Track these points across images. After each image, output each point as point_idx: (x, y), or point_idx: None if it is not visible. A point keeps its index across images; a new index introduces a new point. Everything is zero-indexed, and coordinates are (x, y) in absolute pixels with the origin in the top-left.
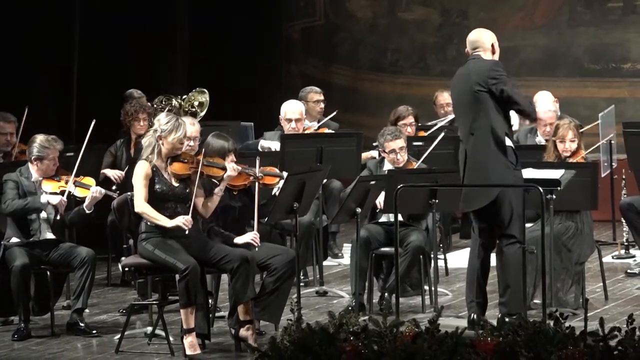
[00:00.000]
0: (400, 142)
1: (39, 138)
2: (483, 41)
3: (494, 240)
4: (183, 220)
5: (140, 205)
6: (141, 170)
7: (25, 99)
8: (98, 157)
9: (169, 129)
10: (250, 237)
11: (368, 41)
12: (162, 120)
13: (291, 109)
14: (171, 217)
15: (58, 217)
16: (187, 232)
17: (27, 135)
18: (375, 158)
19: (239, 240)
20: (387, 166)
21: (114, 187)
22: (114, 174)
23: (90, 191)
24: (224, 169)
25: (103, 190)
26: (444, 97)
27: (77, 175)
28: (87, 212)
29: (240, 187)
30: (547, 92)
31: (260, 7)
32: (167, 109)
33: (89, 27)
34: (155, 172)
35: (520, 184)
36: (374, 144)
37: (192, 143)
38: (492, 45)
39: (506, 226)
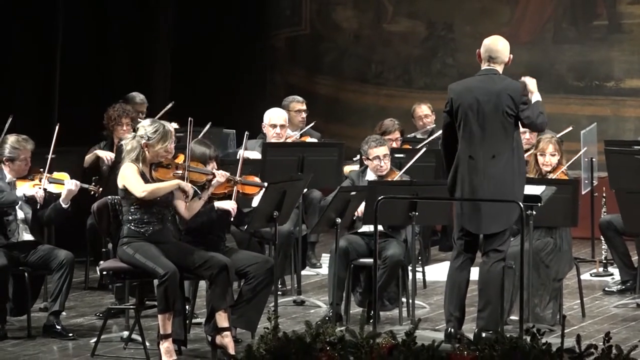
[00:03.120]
0: (384, 150)
1: (10, 139)
2: (503, 52)
3: (476, 254)
4: (190, 187)
5: (145, 187)
6: (132, 169)
7: (7, 107)
8: (78, 159)
9: (157, 138)
10: (231, 205)
11: (353, 52)
12: (149, 128)
13: (275, 115)
14: (158, 222)
15: (38, 213)
16: (187, 198)
17: None
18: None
19: (219, 204)
20: (369, 176)
21: (93, 183)
22: (105, 155)
23: (64, 185)
24: (207, 174)
25: (78, 183)
26: (422, 110)
27: (50, 172)
28: (64, 206)
29: (220, 196)
30: None
31: (245, 15)
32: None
33: (71, 34)
34: (143, 176)
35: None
36: (354, 159)
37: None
38: (509, 59)
39: (501, 243)
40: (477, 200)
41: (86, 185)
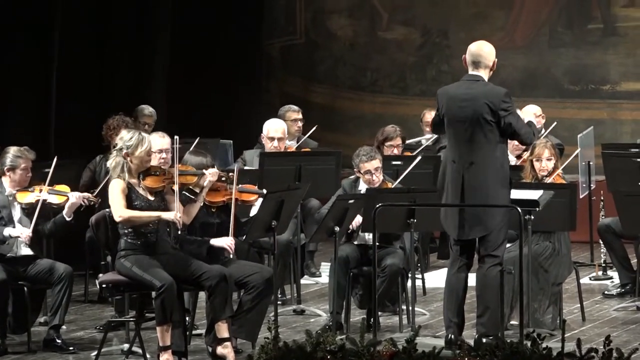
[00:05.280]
0: (376, 163)
1: (12, 149)
2: (486, 57)
3: (473, 259)
4: (177, 216)
5: (122, 212)
6: (117, 186)
7: (2, 117)
8: (76, 170)
9: (134, 144)
10: (227, 242)
11: (348, 60)
12: (125, 137)
13: (274, 128)
14: (154, 234)
15: (38, 227)
16: (179, 232)
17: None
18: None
19: (215, 242)
20: (362, 186)
21: (94, 193)
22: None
23: (68, 197)
24: (197, 174)
25: (81, 195)
26: (431, 115)
27: (51, 184)
28: (68, 219)
29: (218, 204)
30: (533, 106)
31: (241, 24)
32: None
33: (69, 41)
34: (130, 190)
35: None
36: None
37: (164, 155)
38: (494, 63)
39: (495, 248)
40: (475, 206)
41: (87, 195)
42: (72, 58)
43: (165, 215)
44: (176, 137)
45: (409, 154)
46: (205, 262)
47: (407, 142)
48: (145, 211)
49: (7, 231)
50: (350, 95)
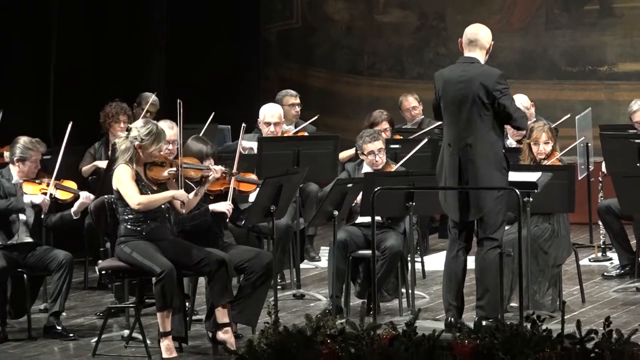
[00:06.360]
0: (379, 144)
1: (23, 139)
2: (483, 39)
3: (471, 242)
4: (186, 196)
5: (140, 199)
6: (127, 173)
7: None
8: (77, 158)
9: (151, 140)
10: (225, 206)
11: (345, 44)
12: (142, 129)
13: (270, 113)
14: (154, 220)
15: (42, 216)
16: (184, 211)
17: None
18: (352, 159)
19: (214, 206)
20: (366, 168)
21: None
22: (104, 165)
23: (76, 195)
24: (202, 169)
25: (92, 196)
26: (409, 101)
27: (58, 179)
28: (75, 218)
29: (217, 192)
30: (522, 96)
31: (238, 9)
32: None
33: (66, 27)
34: (137, 177)
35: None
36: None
37: (170, 147)
38: (490, 46)
39: (493, 230)
40: (475, 189)
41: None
42: (68, 57)
43: (178, 194)
44: (179, 100)
45: (398, 137)
46: (205, 246)
47: (398, 128)
48: (158, 194)
49: (28, 198)
50: (347, 79)
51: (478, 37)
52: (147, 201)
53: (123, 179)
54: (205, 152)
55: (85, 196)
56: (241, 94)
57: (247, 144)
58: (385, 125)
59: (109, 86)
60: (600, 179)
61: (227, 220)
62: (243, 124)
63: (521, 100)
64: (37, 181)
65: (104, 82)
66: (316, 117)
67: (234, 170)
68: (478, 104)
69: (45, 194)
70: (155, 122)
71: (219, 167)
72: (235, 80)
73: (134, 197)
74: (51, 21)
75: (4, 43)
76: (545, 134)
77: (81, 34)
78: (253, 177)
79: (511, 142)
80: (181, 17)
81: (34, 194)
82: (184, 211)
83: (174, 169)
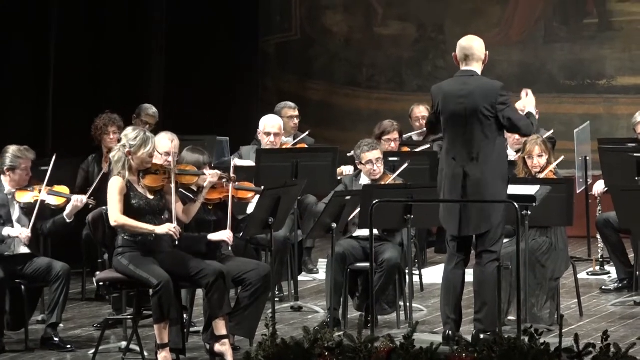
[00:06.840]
0: (377, 153)
1: (11, 148)
2: (478, 50)
3: (470, 255)
4: (172, 228)
5: (118, 218)
6: (115, 186)
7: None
8: (72, 171)
9: (138, 144)
10: (226, 235)
11: (343, 56)
12: (130, 135)
13: (270, 123)
14: None
15: (37, 226)
16: (176, 242)
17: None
18: (349, 173)
19: (213, 236)
20: (363, 180)
21: (88, 195)
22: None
23: (69, 199)
24: (198, 175)
25: (84, 198)
26: (420, 110)
27: (50, 184)
28: (68, 221)
29: (215, 202)
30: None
31: (237, 21)
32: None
33: (66, 27)
34: (129, 188)
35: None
36: (349, 154)
37: (170, 159)
38: (486, 56)
39: (492, 243)
40: (471, 202)
41: (87, 199)
42: (68, 57)
43: (159, 229)
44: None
45: (406, 149)
46: (203, 259)
47: (405, 140)
48: (140, 222)
49: (6, 231)
50: (346, 91)
51: (473, 50)
52: (124, 223)
53: (110, 192)
54: (202, 162)
55: (77, 199)
56: (239, 105)
57: (240, 162)
58: (395, 135)
59: (108, 86)
60: (598, 197)
61: (229, 247)
62: (241, 147)
63: (532, 102)
64: (29, 189)
65: (104, 82)
66: (307, 133)
67: (232, 175)
68: (481, 117)
69: (37, 201)
70: (144, 129)
71: (215, 171)
72: (233, 92)
73: (113, 214)
74: (51, 21)
75: (4, 43)
76: (539, 147)
77: (81, 34)
78: (250, 184)
79: (510, 154)
80: (181, 17)
81: (27, 202)
82: (185, 220)
83: (169, 176)
